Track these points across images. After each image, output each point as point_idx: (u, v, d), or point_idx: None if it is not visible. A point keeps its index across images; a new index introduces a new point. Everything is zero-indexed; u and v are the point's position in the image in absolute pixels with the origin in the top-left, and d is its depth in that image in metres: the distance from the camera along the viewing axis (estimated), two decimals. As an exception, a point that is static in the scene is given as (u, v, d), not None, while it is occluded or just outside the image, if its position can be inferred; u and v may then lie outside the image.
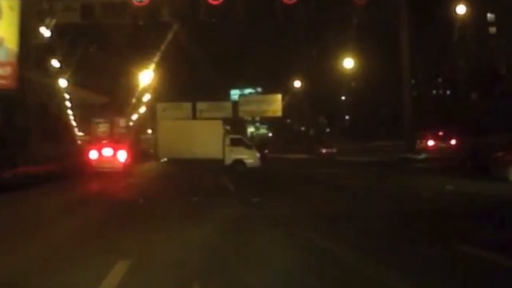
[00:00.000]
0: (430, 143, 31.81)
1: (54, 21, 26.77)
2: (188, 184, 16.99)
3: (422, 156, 24.27)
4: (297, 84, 39.22)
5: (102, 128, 36.33)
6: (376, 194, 12.62)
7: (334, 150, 42.13)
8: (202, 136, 23.40)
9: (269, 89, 40.42)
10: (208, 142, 23.19)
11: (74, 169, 21.54)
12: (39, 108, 28.71)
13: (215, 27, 39.42)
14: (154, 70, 34.11)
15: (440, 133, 33.07)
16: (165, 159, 25.00)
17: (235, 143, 23.71)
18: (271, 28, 40.92)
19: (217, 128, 24.34)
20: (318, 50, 38.58)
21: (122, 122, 36.83)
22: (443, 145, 31.31)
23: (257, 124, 57.65)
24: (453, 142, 31.16)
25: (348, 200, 11.39)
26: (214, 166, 22.19)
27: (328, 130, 51.50)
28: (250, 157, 23.44)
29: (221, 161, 23.18)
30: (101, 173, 20.08)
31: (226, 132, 25.22)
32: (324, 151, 43.03)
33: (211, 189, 14.68)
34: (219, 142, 23.47)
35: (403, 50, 27.79)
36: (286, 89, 38.45)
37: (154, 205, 10.47)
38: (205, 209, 9.70)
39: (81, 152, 28.39)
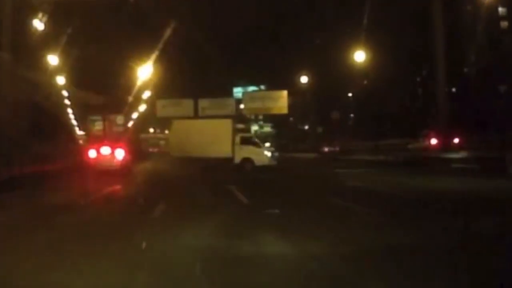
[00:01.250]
0: (433, 141, 30.32)
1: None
2: (187, 186, 14.04)
3: (460, 155, 20.59)
4: (304, 79, 35.85)
5: (99, 125, 33.42)
6: (461, 205, 8.88)
7: (337, 149, 39.98)
8: (212, 135, 22.59)
9: (273, 87, 37.21)
10: (218, 141, 22.40)
11: (69, 168, 20.59)
12: (33, 107, 27.19)
13: (217, 23, 36.62)
14: (154, 66, 31.28)
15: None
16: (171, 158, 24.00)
17: (244, 141, 22.65)
18: (275, 23, 37.92)
19: (227, 126, 23.29)
20: (324, 41, 35.37)
21: (119, 119, 33.81)
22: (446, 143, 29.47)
23: (261, 122, 54.06)
24: (456, 140, 29.73)
25: (432, 219, 7.65)
26: (224, 164, 21.50)
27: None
28: (258, 156, 22.15)
29: (231, 159, 22.24)
30: (99, 172, 18.80)
31: (237, 131, 24.31)
32: (326, 149, 40.93)
33: (212, 197, 11.07)
34: (229, 140, 22.54)
35: (436, 36, 24.83)
36: (291, 87, 35.32)
37: (129, 226, 7.14)
38: (196, 233, 6.47)
39: (80, 151, 26.76)
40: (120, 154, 20.48)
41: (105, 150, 20.84)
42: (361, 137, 40.78)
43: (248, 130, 28.84)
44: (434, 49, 27.64)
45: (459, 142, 30.92)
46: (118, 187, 14.17)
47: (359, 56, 27.80)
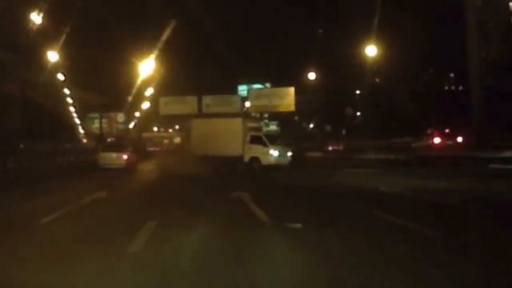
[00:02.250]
0: (437, 140, 29.35)
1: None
2: (190, 191, 11.53)
3: (509, 154, 17.90)
4: (311, 76, 33.59)
5: (98, 124, 31.24)
6: None
7: (341, 148, 38.71)
8: (225, 134, 22.34)
9: (278, 85, 35.03)
10: (230, 140, 22.05)
11: (66, 168, 20.44)
12: (33, 106, 26.36)
13: (221, 19, 34.55)
14: (157, 63, 29.49)
15: (447, 130, 30.51)
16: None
17: (253, 140, 21.94)
18: (280, 19, 35.79)
19: (237, 125, 22.74)
20: (332, 38, 33.20)
21: (120, 117, 31.35)
22: (449, 142, 28.74)
23: (266, 120, 51.64)
24: (459, 139, 28.69)
25: None
26: (235, 163, 21.22)
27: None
28: (265, 155, 21.44)
29: (241, 158, 21.78)
30: (103, 170, 18.62)
31: (251, 130, 23.75)
32: (330, 148, 39.42)
33: (221, 211, 8.04)
34: (239, 139, 22.02)
35: (470, 34, 23.07)
36: (297, 84, 33.14)
37: (83, 273, 4.28)
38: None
39: (83, 150, 26.69)
40: (125, 153, 20.21)
41: (110, 149, 20.71)
42: (368, 136, 38.57)
43: (259, 129, 27.33)
44: (467, 47, 25.84)
45: (463, 141, 29.01)
46: (108, 192, 11.26)
47: (371, 50, 25.43)
